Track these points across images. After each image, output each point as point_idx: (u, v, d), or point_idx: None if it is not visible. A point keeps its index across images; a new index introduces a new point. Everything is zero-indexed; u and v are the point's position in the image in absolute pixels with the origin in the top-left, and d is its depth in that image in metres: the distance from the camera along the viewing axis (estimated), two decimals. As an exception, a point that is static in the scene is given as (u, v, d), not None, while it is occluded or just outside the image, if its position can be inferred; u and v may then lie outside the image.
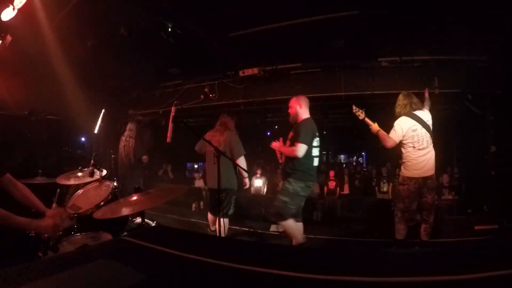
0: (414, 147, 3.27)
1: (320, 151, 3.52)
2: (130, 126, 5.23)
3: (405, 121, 3.33)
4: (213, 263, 0.86)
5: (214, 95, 6.68)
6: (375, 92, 5.64)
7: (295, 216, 3.30)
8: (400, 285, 0.70)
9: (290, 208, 3.22)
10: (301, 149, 3.11)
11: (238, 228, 5.11)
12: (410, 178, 3.29)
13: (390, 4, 3.89)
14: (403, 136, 3.30)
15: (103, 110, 3.34)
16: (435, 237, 4.26)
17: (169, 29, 4.63)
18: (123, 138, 5.09)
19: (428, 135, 3.30)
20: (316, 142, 3.29)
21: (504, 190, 4.81)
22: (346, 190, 7.87)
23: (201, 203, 7.38)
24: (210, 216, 4.11)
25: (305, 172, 3.24)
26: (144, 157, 4.93)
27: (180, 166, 10.72)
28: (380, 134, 3.41)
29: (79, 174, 2.98)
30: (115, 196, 2.61)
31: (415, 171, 3.26)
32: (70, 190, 2.94)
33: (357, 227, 5.10)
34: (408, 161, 3.31)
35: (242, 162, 3.74)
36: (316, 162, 3.33)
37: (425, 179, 3.27)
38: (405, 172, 3.33)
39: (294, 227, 3.31)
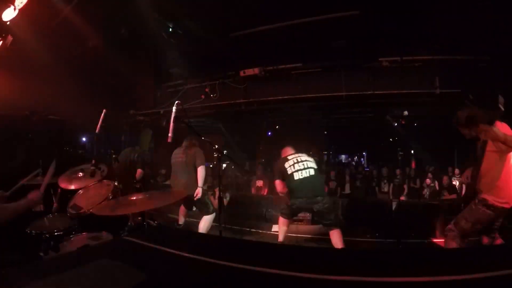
0: None
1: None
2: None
3: None
4: (213, 263, 0.86)
5: (215, 95, 6.69)
6: (376, 92, 5.63)
7: None
8: (400, 285, 0.71)
9: None
10: None
11: (239, 228, 5.10)
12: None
13: (390, 4, 3.89)
14: None
15: (104, 110, 3.32)
16: (435, 238, 4.26)
17: (170, 29, 4.64)
18: (136, 149, 4.88)
19: None
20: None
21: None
22: (347, 190, 7.87)
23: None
24: (182, 208, 4.35)
25: None
26: (139, 171, 4.65)
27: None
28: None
29: (80, 174, 2.98)
30: (115, 196, 2.60)
31: None
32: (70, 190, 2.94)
33: (358, 227, 5.07)
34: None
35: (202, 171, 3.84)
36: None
37: None
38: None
39: None
